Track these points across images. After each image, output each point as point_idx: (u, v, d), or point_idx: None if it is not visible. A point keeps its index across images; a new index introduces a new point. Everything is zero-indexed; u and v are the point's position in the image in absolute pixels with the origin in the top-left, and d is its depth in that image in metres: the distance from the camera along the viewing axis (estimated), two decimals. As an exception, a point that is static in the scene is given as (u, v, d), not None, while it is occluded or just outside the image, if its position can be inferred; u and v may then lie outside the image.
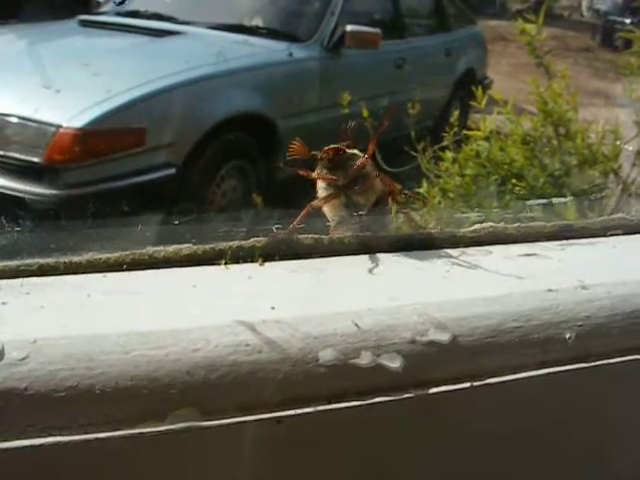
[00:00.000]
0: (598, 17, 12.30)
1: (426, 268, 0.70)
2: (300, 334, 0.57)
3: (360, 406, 0.57)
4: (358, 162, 0.73)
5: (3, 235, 0.66)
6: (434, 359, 0.61)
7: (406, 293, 0.64)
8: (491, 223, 0.77)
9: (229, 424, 0.54)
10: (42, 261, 0.62)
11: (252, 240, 0.67)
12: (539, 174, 2.88)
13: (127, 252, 0.64)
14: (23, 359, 0.51)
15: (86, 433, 0.51)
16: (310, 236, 0.70)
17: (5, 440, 0.50)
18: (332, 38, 4.35)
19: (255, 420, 0.54)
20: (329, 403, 0.57)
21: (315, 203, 0.73)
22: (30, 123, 3.09)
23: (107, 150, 3.19)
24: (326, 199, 0.74)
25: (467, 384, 0.62)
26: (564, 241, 0.80)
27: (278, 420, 0.55)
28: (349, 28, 4.36)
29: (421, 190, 2.73)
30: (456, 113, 3.25)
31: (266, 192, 3.52)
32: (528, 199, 2.73)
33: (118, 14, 4.45)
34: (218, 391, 0.54)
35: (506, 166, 2.92)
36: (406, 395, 0.59)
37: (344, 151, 0.73)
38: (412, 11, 5.74)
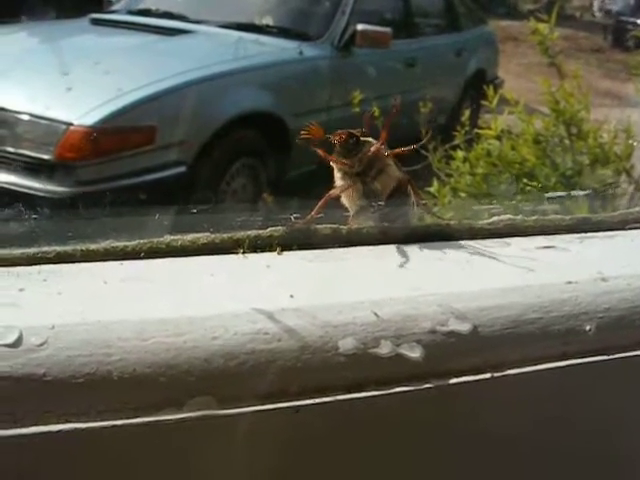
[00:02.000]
0: (610, 17, 12.26)
1: (445, 259, 0.69)
2: (320, 322, 0.56)
3: (379, 396, 0.57)
4: (372, 148, 0.72)
5: (20, 223, 0.65)
6: (454, 349, 0.60)
7: (426, 283, 0.63)
8: (509, 215, 0.76)
9: (247, 413, 0.53)
10: (59, 249, 0.62)
11: (270, 229, 0.67)
12: (551, 173, 2.87)
13: (144, 240, 0.63)
14: (41, 345, 0.51)
15: (103, 420, 0.51)
16: (328, 226, 0.69)
17: (23, 426, 0.49)
18: (343, 37, 4.35)
19: (273, 409, 0.54)
20: (348, 392, 0.56)
21: (333, 192, 0.73)
22: (41, 121, 3.10)
23: (118, 148, 3.19)
24: (343, 187, 0.73)
25: (487, 375, 0.61)
26: (582, 234, 0.79)
27: (297, 409, 0.54)
28: (360, 27, 4.36)
29: (432, 189, 2.73)
30: (467, 112, 3.23)
31: (276, 190, 3.52)
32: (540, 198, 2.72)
33: (129, 12, 4.46)
34: (236, 379, 0.53)
35: (518, 165, 2.91)
36: (426, 385, 0.58)
37: (357, 137, 0.72)
38: (423, 10, 5.73)
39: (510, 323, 0.62)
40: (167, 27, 4.14)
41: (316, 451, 0.57)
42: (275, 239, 0.66)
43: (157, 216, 0.68)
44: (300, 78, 4.20)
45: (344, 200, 0.74)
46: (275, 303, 0.57)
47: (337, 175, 0.74)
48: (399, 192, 0.74)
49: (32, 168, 3.03)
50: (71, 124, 3.06)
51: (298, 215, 0.69)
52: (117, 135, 3.23)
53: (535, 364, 0.63)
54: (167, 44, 4.03)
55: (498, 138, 2.89)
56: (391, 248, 0.70)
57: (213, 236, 0.65)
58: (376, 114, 3.02)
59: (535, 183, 2.81)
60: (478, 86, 5.52)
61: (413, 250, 0.70)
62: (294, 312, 0.56)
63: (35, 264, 0.60)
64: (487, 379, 0.61)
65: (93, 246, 0.62)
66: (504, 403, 0.63)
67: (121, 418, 0.51)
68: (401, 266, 0.67)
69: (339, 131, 0.72)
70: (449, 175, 3.00)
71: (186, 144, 3.42)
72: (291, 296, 0.58)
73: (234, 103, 3.70)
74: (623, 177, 2.82)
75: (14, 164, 3.04)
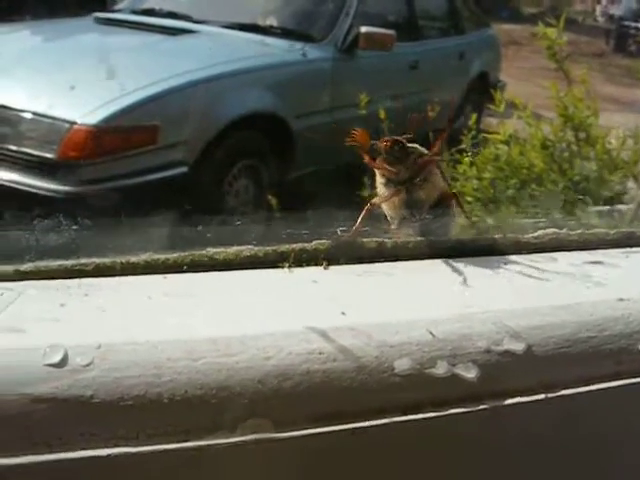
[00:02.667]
0: (612, 22, 12.25)
1: (494, 274, 0.67)
2: (375, 342, 0.54)
3: (435, 417, 0.55)
4: (423, 159, 0.70)
5: (58, 234, 0.63)
6: (509, 369, 0.58)
7: (479, 300, 0.61)
8: (554, 229, 0.74)
9: (302, 436, 0.51)
10: (98, 261, 0.59)
11: (315, 242, 0.64)
12: (558, 179, 2.85)
13: (186, 253, 0.61)
14: (87, 365, 0.48)
15: (153, 444, 0.48)
16: (374, 239, 0.67)
17: (69, 450, 0.47)
18: (346, 39, 4.32)
19: (329, 432, 0.51)
20: (404, 414, 0.54)
21: (375, 200, 0.70)
22: (44, 119, 3.07)
23: (120, 147, 3.17)
24: (387, 196, 0.71)
25: (541, 395, 0.59)
26: (627, 249, 0.77)
27: (352, 431, 0.52)
28: (363, 29, 4.34)
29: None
30: (474, 116, 3.21)
31: (279, 192, 3.50)
32: (547, 204, 2.71)
33: (133, 12, 4.43)
34: (291, 401, 0.51)
35: (525, 170, 2.89)
36: (481, 406, 0.56)
37: (403, 144, 0.70)
38: (426, 13, 5.71)
39: (564, 342, 0.60)
40: (171, 27, 4.11)
41: (373, 474, 0.55)
42: (321, 253, 0.64)
43: (199, 227, 0.65)
44: (303, 79, 4.17)
45: (385, 208, 0.72)
46: (328, 321, 0.54)
47: (379, 181, 0.72)
48: (442, 203, 0.72)
49: (35, 167, 3.00)
50: (74, 123, 3.03)
51: (344, 228, 0.66)
52: (120, 134, 3.21)
53: (588, 384, 0.61)
54: (171, 44, 4.00)
55: (506, 143, 2.88)
56: (438, 263, 0.68)
57: (257, 249, 0.63)
58: (382, 116, 3.01)
59: (542, 188, 2.80)
60: (481, 89, 5.52)
61: (460, 265, 0.68)
62: (349, 331, 0.54)
63: (74, 277, 0.58)
64: (541, 400, 0.59)
65: (133, 258, 0.60)
66: (557, 424, 0.61)
67: (172, 442, 0.48)
68: (452, 282, 0.65)
69: (384, 138, 0.70)
70: (455, 179, 2.98)
71: (189, 144, 3.40)
72: (343, 313, 0.56)
73: (237, 104, 3.68)
74: (631, 184, 2.81)
75: (17, 162, 3.02)
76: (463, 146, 3.06)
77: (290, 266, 0.63)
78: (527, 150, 2.91)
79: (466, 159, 2.94)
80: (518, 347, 0.58)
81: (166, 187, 3.22)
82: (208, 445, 0.49)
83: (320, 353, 0.52)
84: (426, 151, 0.71)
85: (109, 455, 0.47)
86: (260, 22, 4.34)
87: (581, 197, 2.42)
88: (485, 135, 3.05)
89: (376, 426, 0.53)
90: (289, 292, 0.60)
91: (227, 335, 0.52)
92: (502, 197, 2.85)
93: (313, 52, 4.20)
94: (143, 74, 3.49)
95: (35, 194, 2.91)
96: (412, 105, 4.16)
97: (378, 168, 0.71)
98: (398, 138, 0.70)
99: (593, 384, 0.61)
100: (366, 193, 2.76)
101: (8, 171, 3.00)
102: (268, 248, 0.63)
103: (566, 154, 2.94)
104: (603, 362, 0.62)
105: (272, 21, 4.37)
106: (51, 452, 0.47)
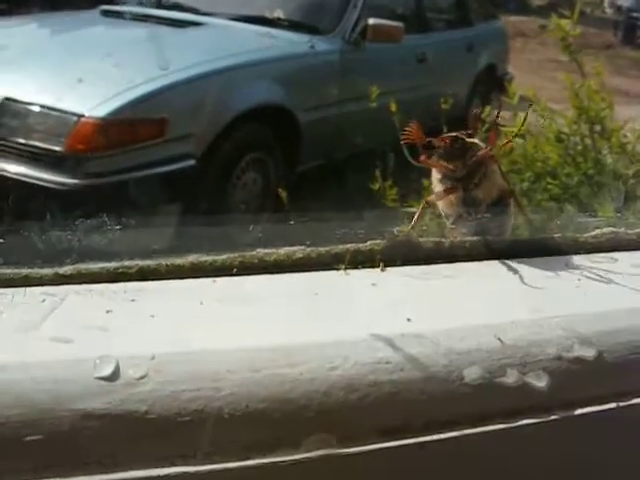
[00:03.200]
0: (620, 14, 12.19)
1: (557, 276, 0.63)
2: (443, 350, 0.50)
3: (506, 429, 0.51)
4: (479, 153, 0.66)
5: (102, 234, 0.59)
6: (580, 377, 0.54)
7: (545, 304, 0.58)
8: (612, 228, 0.71)
9: (369, 451, 0.47)
10: (142, 263, 0.56)
11: (370, 243, 0.61)
12: (573, 172, 2.82)
13: (235, 254, 0.57)
14: (141, 378, 0.45)
15: (212, 463, 0.45)
16: (430, 239, 0.63)
17: (124, 470, 0.44)
18: (354, 31, 4.29)
19: (397, 446, 0.48)
20: (474, 427, 0.50)
21: (431, 198, 0.67)
22: (52, 112, 3.04)
23: (128, 140, 3.14)
24: (443, 193, 0.67)
25: (613, 404, 0.56)
26: (688, 248, 0.74)
27: (421, 445, 0.49)
28: (371, 21, 4.30)
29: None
30: (487, 109, 3.17)
31: (286, 185, 3.46)
32: (561, 198, 2.68)
33: (140, 4, 4.40)
34: (357, 414, 0.47)
35: (540, 163, 2.86)
36: (552, 417, 0.53)
37: (463, 140, 0.66)
38: (434, 5, 5.67)
39: (635, 348, 0.57)
40: (178, 19, 4.08)
41: (442, 491, 0.52)
42: (376, 253, 0.61)
43: (251, 227, 0.62)
44: (311, 72, 4.14)
45: (441, 206, 0.68)
46: (392, 328, 0.51)
47: (435, 178, 0.68)
48: (500, 202, 0.68)
49: (42, 159, 2.97)
50: (82, 116, 3.00)
51: (399, 228, 0.63)
52: (128, 127, 3.18)
53: (661, 392, 0.58)
54: (178, 36, 3.97)
55: (521, 136, 2.84)
56: (497, 264, 0.64)
57: (309, 250, 0.59)
58: (393, 108, 2.98)
59: (557, 182, 2.77)
60: (488, 81, 5.48)
61: (521, 266, 0.64)
62: (415, 338, 0.50)
63: (118, 281, 0.55)
64: (612, 409, 0.56)
65: (179, 260, 0.57)
66: (630, 434, 0.58)
67: (232, 460, 0.45)
68: (515, 285, 0.61)
69: (443, 135, 0.66)
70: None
71: (196, 137, 3.36)
72: (408, 320, 0.52)
73: (245, 96, 3.65)
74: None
75: (25, 155, 2.99)
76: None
77: (346, 268, 0.59)
78: (541, 143, 2.88)
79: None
80: (589, 354, 0.55)
81: (174, 180, 3.19)
82: (270, 463, 0.46)
83: (387, 362, 0.49)
84: (484, 145, 0.67)
85: (166, 475, 0.44)
86: (268, 14, 4.30)
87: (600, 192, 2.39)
88: (500, 127, 3.01)
89: (446, 439, 0.49)
90: (348, 296, 0.56)
91: (289, 344, 0.48)
92: (516, 190, 2.81)
93: (321, 44, 4.17)
94: (151, 67, 3.46)
95: (43, 187, 2.88)
96: (420, 97, 4.13)
97: (435, 167, 0.67)
98: (458, 134, 0.66)
99: (665, 391, 0.58)
100: (377, 186, 2.73)
101: (16, 164, 2.97)
102: (321, 249, 0.59)
103: (580, 147, 2.90)
104: (675, 369, 0.59)
105: (280, 13, 4.33)
106: (104, 472, 0.43)
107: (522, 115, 2.72)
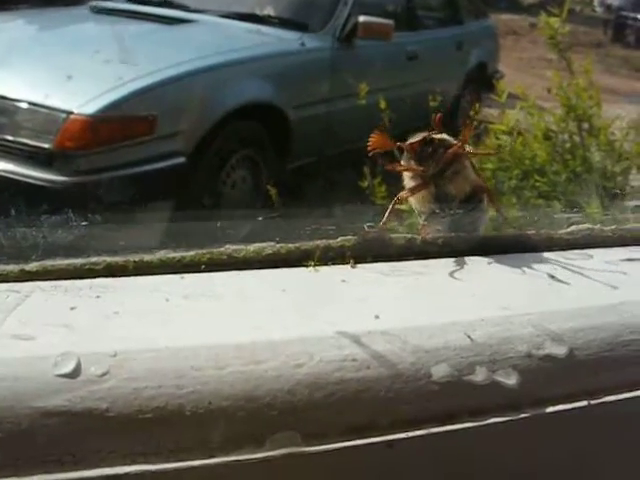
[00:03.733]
0: (610, 12, 12.24)
1: (529, 273, 0.63)
2: (410, 347, 0.50)
3: (475, 427, 0.51)
4: (451, 150, 0.66)
5: (67, 230, 0.59)
6: (550, 375, 0.54)
7: (515, 301, 0.57)
8: (588, 225, 0.70)
9: (335, 449, 0.47)
10: (109, 259, 0.55)
11: (341, 239, 0.60)
12: (561, 170, 2.82)
13: (203, 251, 0.57)
14: (103, 375, 0.44)
15: (175, 461, 0.44)
16: (402, 235, 0.63)
17: (83, 468, 0.43)
18: (344, 28, 4.28)
19: (364, 445, 0.48)
20: (443, 424, 0.50)
21: (402, 194, 0.66)
22: (41, 109, 3.03)
23: (118, 137, 3.13)
24: (414, 189, 0.66)
25: (584, 402, 0.55)
26: (664, 245, 0.73)
27: (389, 444, 0.48)
28: (361, 19, 4.29)
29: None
30: (477, 106, 3.17)
31: (277, 182, 3.46)
32: (549, 196, 2.68)
33: (129, 1, 4.37)
34: (323, 412, 0.47)
35: (528, 161, 2.86)
36: (522, 415, 0.52)
37: (433, 141, 0.66)
38: (424, 3, 5.67)
39: (606, 345, 0.57)
40: (168, 16, 4.06)
41: (409, 490, 0.51)
42: (347, 250, 0.60)
43: (218, 224, 0.61)
44: (301, 69, 4.13)
45: (414, 202, 0.68)
46: (360, 325, 0.51)
47: (406, 174, 0.68)
48: (473, 197, 0.68)
49: (31, 157, 2.96)
50: (71, 113, 2.98)
51: (371, 224, 0.62)
52: (117, 124, 3.16)
53: (632, 389, 0.57)
54: (168, 33, 3.95)
55: (509, 133, 2.85)
56: (469, 260, 0.64)
57: (279, 246, 0.59)
58: (382, 106, 2.97)
59: (545, 179, 2.77)
60: (479, 80, 5.49)
61: (493, 263, 0.64)
62: (382, 336, 0.50)
63: (84, 277, 0.54)
64: (583, 407, 0.55)
65: (147, 257, 0.56)
66: (601, 432, 0.57)
67: (195, 458, 0.45)
68: (486, 282, 0.61)
69: (411, 141, 0.65)
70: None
71: (186, 134, 3.35)
72: (376, 317, 0.52)
73: (235, 94, 3.64)
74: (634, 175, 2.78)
75: (13, 152, 2.97)
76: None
77: (315, 264, 0.59)
78: (529, 141, 2.88)
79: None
80: (560, 351, 0.54)
81: (164, 178, 3.18)
82: (234, 461, 0.45)
83: (353, 360, 0.48)
84: (455, 141, 0.67)
85: (127, 473, 0.43)
86: (258, 12, 4.29)
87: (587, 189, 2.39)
88: (488, 125, 3.01)
89: (413, 437, 0.49)
90: (317, 293, 0.56)
91: (254, 341, 0.48)
92: (504, 188, 2.82)
93: (311, 42, 4.16)
94: (140, 64, 3.45)
95: (31, 184, 2.87)
96: (410, 95, 4.12)
97: (405, 171, 0.67)
98: (426, 136, 0.66)
99: (637, 389, 0.58)
100: (366, 184, 2.73)
101: (4, 161, 2.96)
102: (291, 245, 0.59)
103: (568, 145, 2.91)
104: (648, 366, 0.58)
105: (270, 11, 4.32)
106: (63, 470, 0.43)
107: (510, 113, 2.72)
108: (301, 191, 3.69)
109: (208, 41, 3.97)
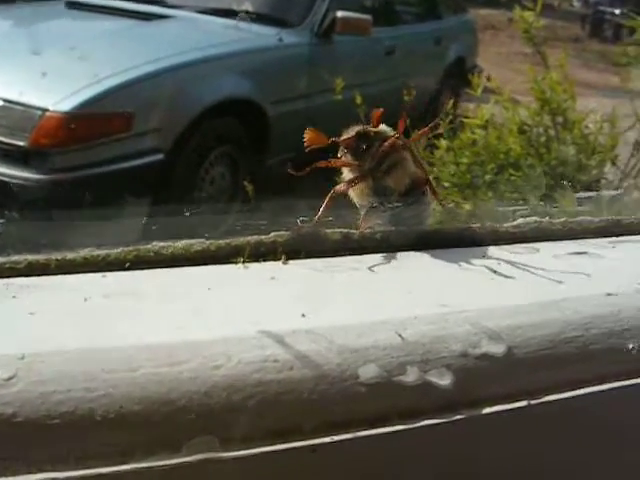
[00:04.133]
0: (588, 7, 12.32)
1: (470, 268, 0.61)
2: (337, 347, 0.48)
3: (405, 430, 0.49)
4: (387, 143, 0.64)
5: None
6: (487, 375, 0.52)
7: (453, 298, 0.55)
8: (535, 218, 0.69)
9: (255, 454, 0.45)
10: (31, 258, 0.53)
11: (273, 234, 0.58)
12: (536, 163, 2.82)
13: (130, 248, 0.55)
14: (9, 379, 0.42)
15: (85, 468, 0.42)
16: (338, 230, 0.61)
17: (-13, 476, 0.41)
18: (323, 24, 4.27)
19: (286, 449, 0.46)
20: (371, 428, 0.48)
21: (339, 188, 0.64)
22: (15, 106, 3.00)
23: (94, 135, 3.10)
24: (350, 183, 0.65)
25: (523, 402, 0.54)
26: (613, 238, 0.72)
27: (313, 449, 0.46)
28: (340, 14, 4.29)
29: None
30: (451, 101, 3.16)
31: (255, 178, 3.44)
32: (523, 189, 2.67)
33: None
34: (242, 415, 0.45)
35: (503, 155, 2.85)
36: (457, 417, 0.51)
37: (368, 134, 0.64)
38: (403, -2, 5.68)
39: (547, 343, 0.55)
40: (144, 12, 4.04)
41: (335, 497, 0.49)
42: (279, 245, 0.58)
43: (144, 219, 0.59)
44: (279, 65, 4.12)
45: (353, 196, 0.66)
46: (285, 324, 0.49)
47: (345, 169, 0.66)
48: (415, 190, 0.66)
49: (6, 154, 2.93)
50: (47, 110, 2.96)
51: (305, 218, 0.60)
52: (94, 121, 3.14)
53: (574, 388, 0.56)
54: (144, 29, 3.93)
55: (484, 127, 2.84)
56: (409, 255, 0.62)
57: (208, 242, 0.57)
58: (358, 101, 2.96)
59: (520, 173, 2.76)
60: (457, 74, 5.48)
61: (434, 258, 0.62)
62: (307, 335, 0.48)
63: (2, 277, 0.52)
64: (523, 407, 0.54)
65: (70, 255, 0.54)
66: (542, 432, 0.56)
67: (106, 465, 0.43)
68: (423, 277, 0.59)
69: (346, 136, 0.64)
70: (432, 164, 2.93)
71: (164, 131, 3.33)
72: (303, 315, 0.50)
73: (212, 90, 3.62)
74: (608, 168, 2.78)
75: (-13, 150, 2.95)
76: (440, 131, 3.01)
77: (245, 261, 0.57)
78: (504, 135, 2.88)
79: (443, 144, 2.90)
80: (497, 350, 0.53)
81: (142, 175, 3.16)
82: (148, 467, 0.43)
83: (275, 361, 0.46)
84: (393, 132, 0.65)
85: (32, 482, 0.41)
86: (235, 7, 4.27)
87: (562, 182, 2.38)
88: (463, 120, 3.01)
89: (339, 442, 0.47)
90: (243, 291, 0.54)
91: (170, 342, 0.46)
92: (479, 182, 2.82)
93: (289, 37, 4.15)
94: (116, 60, 3.42)
95: (6, 182, 2.85)
96: (389, 90, 4.11)
97: (343, 166, 0.65)
98: (361, 130, 0.64)
99: (579, 388, 0.56)
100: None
101: (-21, 159, 2.94)
102: (221, 241, 0.57)
103: (543, 138, 2.91)
104: (590, 364, 0.57)
105: (247, 6, 4.29)
106: (-35, 479, 0.41)
107: (485, 107, 2.71)
108: (281, 188, 3.67)
109: (185, 37, 3.95)
